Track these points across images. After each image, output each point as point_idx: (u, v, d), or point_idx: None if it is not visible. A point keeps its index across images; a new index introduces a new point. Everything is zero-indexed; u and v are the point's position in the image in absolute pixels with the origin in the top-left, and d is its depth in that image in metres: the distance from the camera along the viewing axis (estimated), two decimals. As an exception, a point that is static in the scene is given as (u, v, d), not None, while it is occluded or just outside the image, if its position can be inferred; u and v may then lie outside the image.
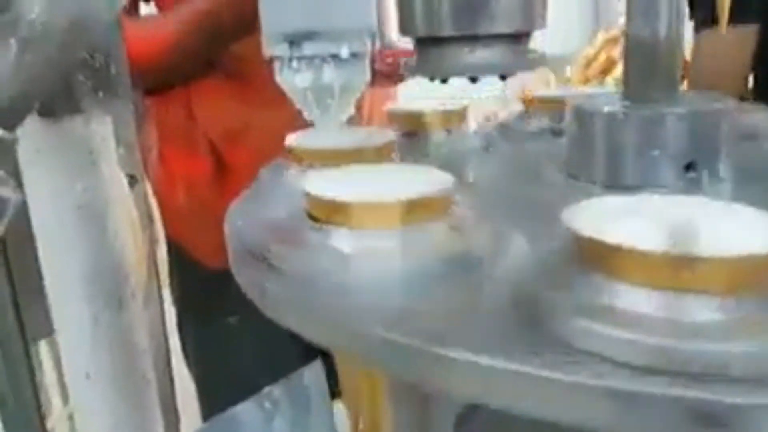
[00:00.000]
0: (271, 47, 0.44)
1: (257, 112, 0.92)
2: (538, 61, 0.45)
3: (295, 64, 0.43)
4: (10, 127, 0.37)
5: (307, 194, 0.33)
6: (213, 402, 1.02)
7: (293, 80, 0.43)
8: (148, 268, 0.67)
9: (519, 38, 0.43)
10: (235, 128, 0.94)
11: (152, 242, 0.71)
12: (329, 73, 0.44)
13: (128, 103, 0.63)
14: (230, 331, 1.00)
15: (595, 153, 0.45)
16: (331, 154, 0.45)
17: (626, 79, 0.45)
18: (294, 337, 0.31)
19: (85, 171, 0.53)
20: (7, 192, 0.36)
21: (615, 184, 0.44)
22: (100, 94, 0.55)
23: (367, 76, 0.45)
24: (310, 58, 0.43)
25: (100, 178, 0.55)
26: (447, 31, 0.42)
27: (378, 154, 0.45)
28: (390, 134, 0.47)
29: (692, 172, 0.43)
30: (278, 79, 0.45)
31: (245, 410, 0.61)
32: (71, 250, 0.55)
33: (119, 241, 0.57)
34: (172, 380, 0.77)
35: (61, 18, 0.38)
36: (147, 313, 0.65)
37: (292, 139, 0.47)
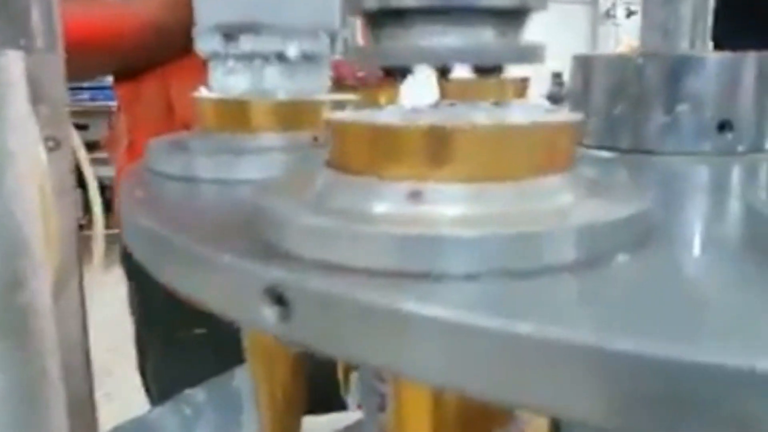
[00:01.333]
0: (203, 42, 0.35)
1: None
2: (536, 52, 0.35)
3: (231, 63, 0.35)
4: None
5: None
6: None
7: (225, 82, 0.35)
8: (66, 250, 0.59)
9: (511, 17, 0.32)
10: None
11: (76, 221, 0.62)
12: (272, 77, 0.35)
13: (56, 54, 0.55)
14: (196, 343, 0.93)
15: (603, 110, 0.36)
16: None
17: (645, 20, 0.37)
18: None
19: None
20: None
21: (625, 149, 0.35)
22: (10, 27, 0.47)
23: (323, 85, 0.37)
24: (250, 57, 0.35)
25: (-1, 127, 0.46)
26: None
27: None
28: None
29: (728, 132, 0.34)
30: (211, 81, 0.37)
31: (160, 415, 0.52)
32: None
33: (19, 206, 0.48)
34: (90, 378, 0.67)
35: None
36: (60, 304, 0.56)
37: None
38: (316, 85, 0.36)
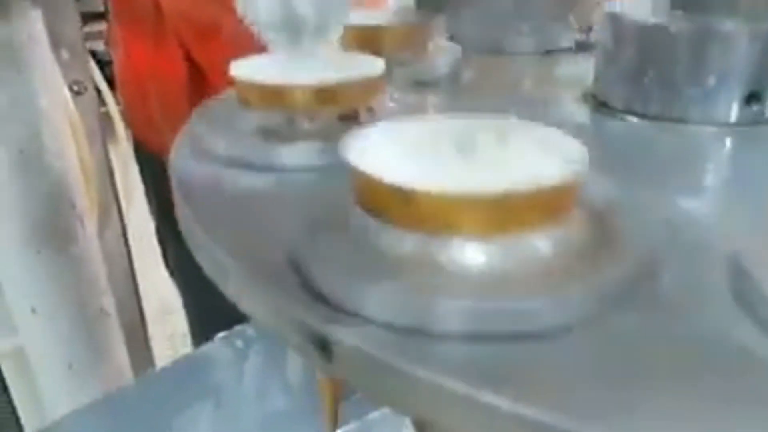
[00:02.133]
0: None
1: (230, 11, 0.80)
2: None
3: None
4: None
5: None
6: (200, 312, 0.97)
7: (257, 10, 0.33)
8: (102, 188, 0.60)
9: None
10: (206, 26, 0.83)
11: (108, 158, 0.62)
12: (304, 5, 0.34)
13: (69, -5, 0.53)
14: None
15: (632, 75, 0.36)
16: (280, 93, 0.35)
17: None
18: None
19: (7, 80, 0.44)
20: None
21: (653, 116, 0.35)
22: (24, -18, 0.45)
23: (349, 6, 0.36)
24: None
25: (29, 87, 0.45)
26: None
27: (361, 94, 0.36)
28: (380, 64, 0.37)
29: (756, 104, 0.34)
30: (239, 7, 0.35)
31: (215, 348, 0.55)
32: (5, 174, 0.47)
33: (59, 162, 0.48)
34: (139, 304, 0.71)
35: None
36: (103, 240, 0.58)
37: (238, 68, 0.36)
38: (343, 9, 0.35)
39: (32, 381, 0.60)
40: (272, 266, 0.24)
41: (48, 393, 0.59)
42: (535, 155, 0.22)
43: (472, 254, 0.20)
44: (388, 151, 0.23)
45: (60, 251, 0.51)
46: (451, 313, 0.19)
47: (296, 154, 0.32)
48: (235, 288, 0.25)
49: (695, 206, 0.28)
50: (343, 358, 0.20)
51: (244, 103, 0.35)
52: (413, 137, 0.24)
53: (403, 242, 0.21)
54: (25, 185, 0.47)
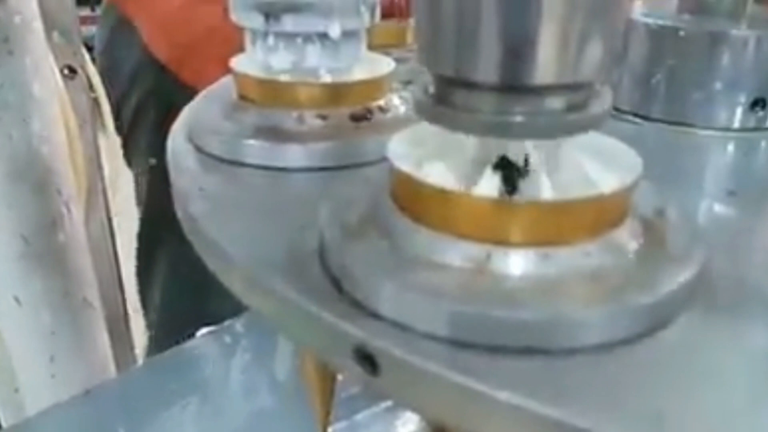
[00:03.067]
0: (241, 16, 0.33)
1: None
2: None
3: (271, 41, 0.33)
4: None
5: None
6: (175, 314, 0.94)
7: (268, 61, 0.33)
8: (90, 173, 0.58)
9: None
10: None
11: (97, 144, 0.61)
12: (314, 56, 0.33)
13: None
14: None
15: (639, 76, 0.36)
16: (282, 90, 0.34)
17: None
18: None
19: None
20: None
21: (658, 119, 0.35)
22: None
23: (361, 56, 0.35)
24: (292, 36, 0.33)
25: (21, 70, 0.44)
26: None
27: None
28: (390, 63, 0.36)
29: (760, 109, 0.34)
30: (249, 53, 0.35)
31: (201, 344, 0.54)
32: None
33: (47, 148, 0.47)
34: (123, 294, 0.69)
35: None
36: (88, 229, 0.57)
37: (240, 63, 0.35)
38: (355, 58, 0.35)
39: (12, 373, 0.58)
40: (307, 276, 0.23)
41: (28, 386, 0.58)
42: (588, 163, 0.22)
43: (522, 264, 0.20)
44: (435, 154, 0.22)
45: (46, 238, 0.49)
46: (500, 327, 0.18)
47: (310, 154, 0.32)
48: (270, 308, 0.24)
49: (720, 211, 0.28)
50: (391, 371, 0.19)
51: (246, 98, 0.34)
52: (461, 140, 0.23)
53: (451, 250, 0.20)
54: (11, 170, 0.46)
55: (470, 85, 0.20)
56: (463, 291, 0.19)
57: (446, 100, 0.21)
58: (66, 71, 0.53)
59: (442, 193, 0.20)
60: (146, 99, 0.84)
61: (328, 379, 0.35)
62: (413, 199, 0.22)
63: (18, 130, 0.45)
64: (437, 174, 0.21)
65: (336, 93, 0.33)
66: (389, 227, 0.22)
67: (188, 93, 0.39)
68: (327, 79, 0.33)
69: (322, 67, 0.33)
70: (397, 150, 0.23)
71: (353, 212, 0.24)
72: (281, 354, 0.56)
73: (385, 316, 0.20)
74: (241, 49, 0.36)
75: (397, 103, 0.35)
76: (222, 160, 0.32)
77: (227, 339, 0.54)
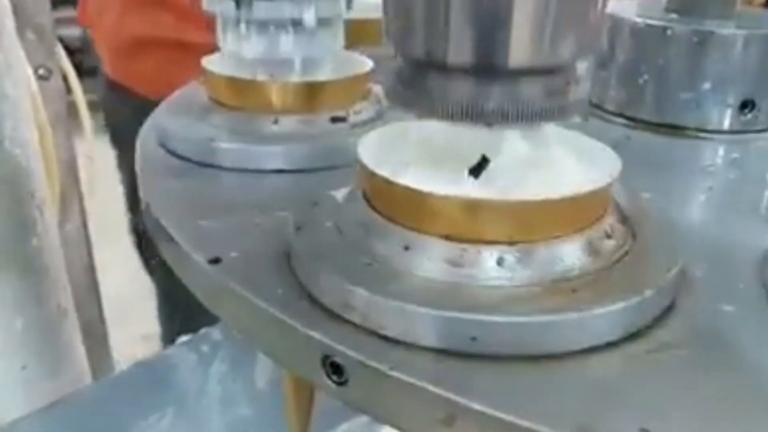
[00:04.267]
0: (211, 2, 0.32)
1: None
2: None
3: (243, 28, 0.32)
4: None
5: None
6: (174, 311, 0.93)
7: (239, 48, 0.31)
8: (65, 178, 0.57)
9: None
10: None
11: (72, 147, 0.60)
12: (288, 44, 0.32)
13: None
14: None
15: (626, 77, 0.35)
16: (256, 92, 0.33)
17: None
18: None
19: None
20: None
21: (646, 120, 0.34)
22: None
23: (339, 47, 0.34)
24: (264, 23, 0.32)
25: (-10, 69, 0.43)
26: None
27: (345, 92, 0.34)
28: (367, 62, 0.35)
29: (749, 112, 0.33)
30: (220, 43, 0.33)
31: (178, 352, 0.53)
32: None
33: (20, 150, 0.46)
34: (99, 300, 0.68)
35: None
36: (63, 232, 0.55)
37: (212, 63, 0.34)
38: (331, 49, 0.33)
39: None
40: (275, 281, 0.21)
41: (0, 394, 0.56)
42: (567, 162, 0.21)
43: (497, 265, 0.19)
44: (412, 157, 0.21)
45: (18, 243, 0.48)
46: (477, 332, 0.17)
47: (286, 156, 0.30)
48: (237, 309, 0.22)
49: (703, 213, 0.27)
50: (358, 380, 0.18)
51: (219, 100, 0.33)
52: (438, 140, 0.22)
53: (426, 250, 0.19)
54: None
55: (442, 69, 0.19)
56: (438, 295, 0.18)
57: (418, 84, 0.20)
58: (41, 71, 0.52)
59: (415, 193, 0.19)
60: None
61: (305, 390, 0.34)
62: (386, 200, 0.21)
63: (-13, 133, 0.44)
64: (410, 174, 0.20)
65: (311, 93, 0.32)
66: (362, 229, 0.21)
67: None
68: (300, 78, 0.32)
69: (296, 56, 0.32)
70: (367, 149, 0.22)
71: (322, 215, 0.23)
72: (261, 363, 0.54)
73: (355, 322, 0.19)
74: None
75: (374, 104, 0.34)
76: (195, 163, 0.31)
77: (205, 348, 0.53)
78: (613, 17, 0.35)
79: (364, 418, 0.48)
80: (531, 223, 0.18)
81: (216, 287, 0.22)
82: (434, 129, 0.21)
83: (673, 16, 0.34)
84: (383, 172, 0.20)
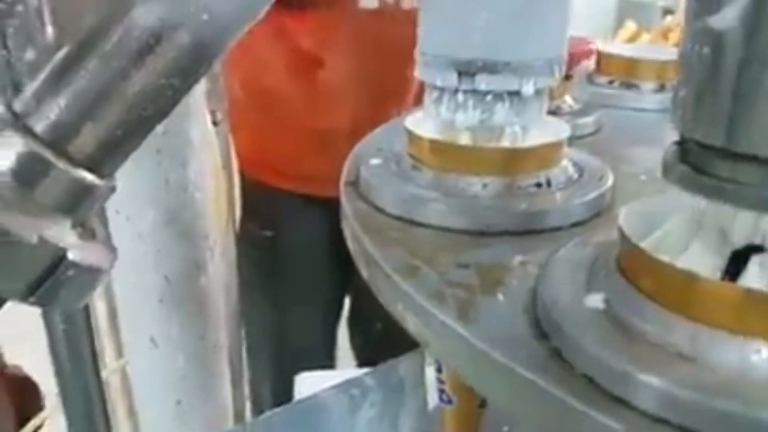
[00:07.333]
0: (430, 73, 0.32)
1: None
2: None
3: (460, 98, 0.32)
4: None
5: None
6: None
7: (453, 117, 0.32)
8: (227, 217, 0.59)
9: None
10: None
11: (232, 187, 0.62)
12: (501, 114, 0.32)
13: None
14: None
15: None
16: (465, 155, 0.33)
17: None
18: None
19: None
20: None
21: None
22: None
23: (543, 114, 0.34)
24: (482, 93, 0.32)
25: (180, 115, 0.45)
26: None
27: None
28: (565, 128, 0.35)
29: None
30: (430, 109, 0.34)
31: (330, 396, 0.53)
32: (147, 202, 0.46)
33: (200, 194, 0.48)
34: (241, 340, 0.69)
35: None
36: (221, 267, 0.57)
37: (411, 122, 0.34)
38: (538, 115, 0.33)
39: (134, 416, 0.58)
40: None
41: (150, 427, 0.57)
42: None
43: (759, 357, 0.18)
44: (680, 233, 0.21)
45: (188, 282, 0.50)
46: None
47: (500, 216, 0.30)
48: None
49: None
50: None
51: (420, 160, 0.33)
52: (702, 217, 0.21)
53: (715, 344, 0.18)
54: (165, 213, 0.46)
55: (738, 156, 0.18)
56: (731, 389, 0.18)
57: (707, 169, 0.20)
58: (212, 116, 0.54)
59: (702, 283, 0.19)
60: None
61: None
62: (660, 283, 0.20)
63: (175, 174, 0.45)
64: (691, 260, 0.20)
65: (515, 158, 0.32)
66: (634, 314, 0.20)
67: None
68: (506, 143, 0.32)
69: (507, 124, 0.32)
70: (632, 225, 0.22)
71: (577, 287, 0.22)
72: (407, 411, 0.54)
73: (641, 408, 0.18)
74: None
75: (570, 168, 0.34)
76: (403, 220, 0.32)
77: (355, 392, 0.53)
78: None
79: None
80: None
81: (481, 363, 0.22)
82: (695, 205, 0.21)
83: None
84: (651, 249, 0.20)
